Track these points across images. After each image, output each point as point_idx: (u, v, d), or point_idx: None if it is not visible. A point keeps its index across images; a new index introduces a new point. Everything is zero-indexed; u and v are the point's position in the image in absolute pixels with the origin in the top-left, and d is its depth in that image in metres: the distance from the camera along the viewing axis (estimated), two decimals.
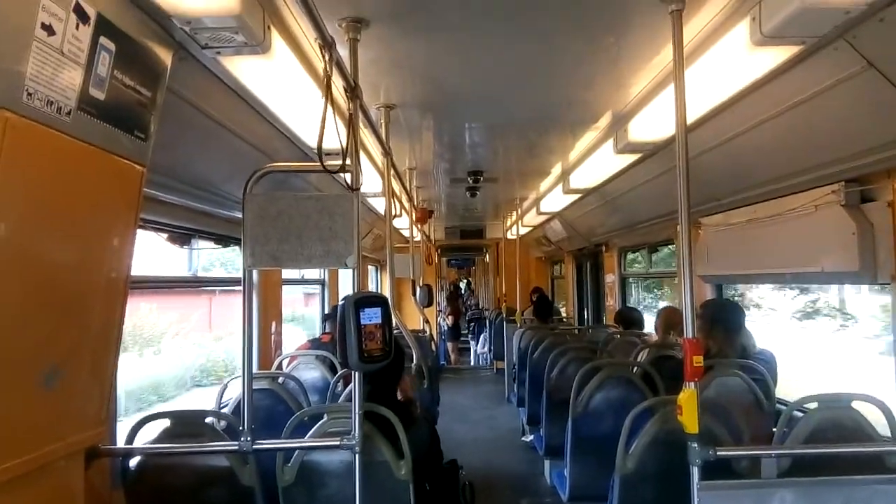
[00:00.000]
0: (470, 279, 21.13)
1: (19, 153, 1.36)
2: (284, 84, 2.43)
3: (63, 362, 1.67)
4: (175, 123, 2.13)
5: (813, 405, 2.24)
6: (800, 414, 2.32)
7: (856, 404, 2.20)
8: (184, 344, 7.66)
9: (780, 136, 2.73)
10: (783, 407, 2.91)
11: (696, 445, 1.88)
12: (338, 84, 2.16)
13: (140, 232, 2.12)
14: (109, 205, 1.79)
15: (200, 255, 3.55)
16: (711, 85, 2.54)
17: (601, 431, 3.13)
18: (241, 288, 2.23)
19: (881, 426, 2.20)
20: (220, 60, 2.05)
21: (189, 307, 7.95)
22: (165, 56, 1.84)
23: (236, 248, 3.73)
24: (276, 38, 2.05)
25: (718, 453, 1.90)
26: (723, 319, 3.19)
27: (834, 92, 2.21)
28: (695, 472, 1.89)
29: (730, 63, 2.30)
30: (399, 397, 2.67)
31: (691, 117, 2.66)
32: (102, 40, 1.52)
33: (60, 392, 1.68)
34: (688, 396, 1.87)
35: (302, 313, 8.00)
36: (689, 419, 1.87)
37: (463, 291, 18.99)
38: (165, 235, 3.08)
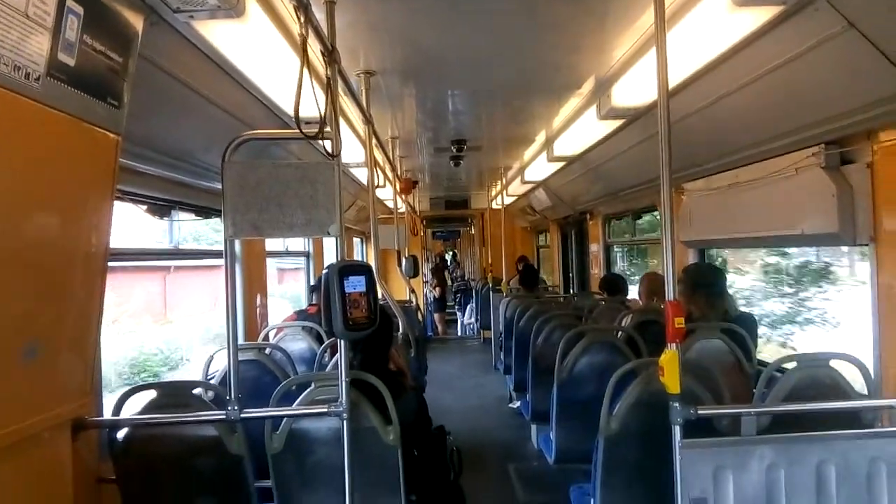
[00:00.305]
0: (455, 251, 21.15)
1: None
2: (260, 49, 2.38)
3: (43, 335, 1.66)
4: (149, 91, 2.08)
5: (792, 365, 2.28)
6: (780, 374, 2.37)
7: (833, 363, 2.25)
8: (120, 332, 6.48)
9: (761, 99, 2.73)
10: (763, 368, 2.96)
11: (677, 405, 1.91)
12: (314, 48, 2.12)
13: (118, 203, 2.09)
14: (84, 174, 1.76)
15: (182, 228, 3.51)
16: (693, 48, 2.52)
17: (586, 395, 3.18)
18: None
19: (858, 384, 2.26)
20: (193, 25, 2.00)
21: (133, 287, 6.96)
22: (136, 20, 1.79)
23: (213, 220, 3.69)
24: (251, 1, 1.99)
25: (699, 412, 1.93)
26: (704, 284, 3.23)
27: (815, 53, 2.20)
28: (676, 431, 1.92)
29: (711, 25, 2.28)
30: (391, 367, 2.69)
31: (673, 81, 2.64)
32: (69, 3, 1.48)
33: (42, 364, 1.67)
34: (669, 357, 1.89)
35: (272, 291, 7.35)
36: (671, 380, 1.89)
37: (449, 263, 19.03)
38: (144, 207, 3.03)
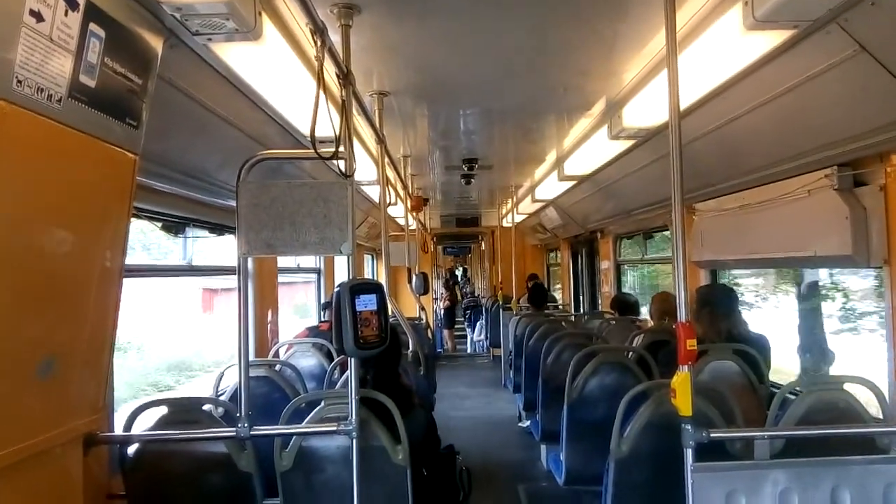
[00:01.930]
0: (466, 266, 21.13)
1: (10, 141, 1.36)
2: (276, 71, 2.42)
3: (59, 351, 1.68)
4: (167, 111, 2.12)
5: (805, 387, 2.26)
6: (793, 396, 2.35)
7: (848, 386, 2.23)
8: None
9: (773, 121, 2.74)
10: (777, 390, 2.93)
11: (689, 428, 1.89)
12: (330, 70, 2.15)
13: (133, 220, 2.12)
14: (103, 193, 1.79)
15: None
16: (705, 70, 2.54)
17: (596, 416, 3.16)
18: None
19: (873, 408, 2.23)
20: (212, 47, 2.04)
21: None
22: (156, 43, 1.83)
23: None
24: (268, 24, 2.03)
25: (712, 435, 1.92)
26: (709, 303, 3.22)
27: (826, 76, 2.21)
28: (688, 454, 1.90)
29: (723, 48, 2.30)
30: (403, 382, 2.69)
31: (685, 103, 2.65)
32: (92, 27, 1.51)
33: (57, 380, 1.68)
34: (681, 380, 1.88)
35: None
36: (683, 402, 1.88)
37: (459, 279, 19.01)
38: (159, 224, 3.07)
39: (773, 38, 2.14)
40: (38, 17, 1.33)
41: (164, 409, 2.26)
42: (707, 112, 2.93)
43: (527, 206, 8.22)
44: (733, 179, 3.52)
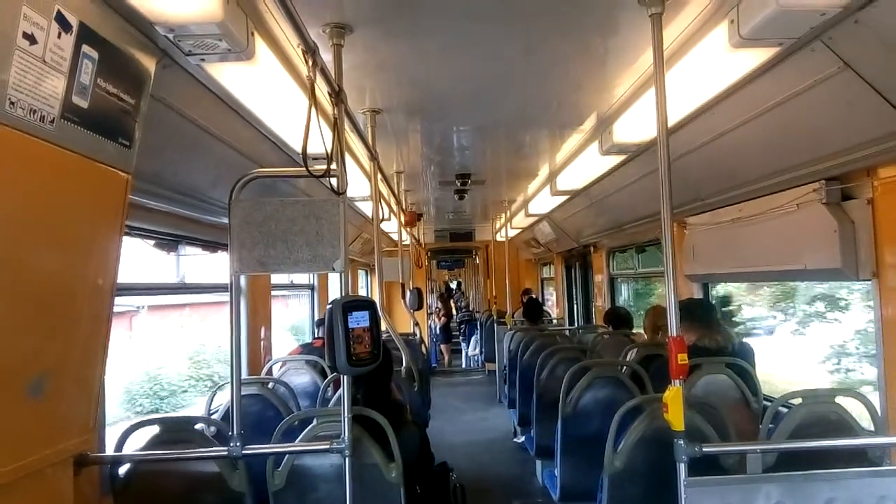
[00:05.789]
0: (460, 280, 21.10)
1: (3, 162, 1.36)
2: (269, 90, 2.44)
3: (50, 370, 1.67)
4: (160, 130, 2.13)
5: (797, 401, 2.27)
6: (785, 410, 2.35)
7: (839, 399, 2.24)
8: None
9: (761, 136, 2.77)
10: (769, 403, 2.94)
11: (682, 442, 1.90)
12: (322, 89, 2.17)
13: (126, 238, 2.12)
14: (95, 212, 1.79)
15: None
16: (692, 87, 2.57)
17: (590, 431, 3.15)
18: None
19: (864, 420, 2.24)
20: (204, 67, 2.06)
21: None
22: (149, 63, 1.84)
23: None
24: (260, 45, 2.05)
25: (704, 450, 1.92)
26: (685, 316, 3.23)
27: (812, 92, 2.24)
28: (681, 469, 1.91)
29: (710, 65, 2.33)
30: (394, 398, 2.69)
31: (673, 119, 2.69)
32: (85, 48, 1.53)
33: (47, 400, 1.67)
34: (673, 394, 1.89)
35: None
36: (675, 417, 1.89)
37: (454, 292, 18.98)
38: (152, 242, 3.06)
39: (760, 56, 2.17)
40: (31, 39, 1.34)
41: (155, 429, 2.24)
42: (696, 127, 2.96)
43: (520, 221, 8.25)
44: (723, 194, 3.55)
